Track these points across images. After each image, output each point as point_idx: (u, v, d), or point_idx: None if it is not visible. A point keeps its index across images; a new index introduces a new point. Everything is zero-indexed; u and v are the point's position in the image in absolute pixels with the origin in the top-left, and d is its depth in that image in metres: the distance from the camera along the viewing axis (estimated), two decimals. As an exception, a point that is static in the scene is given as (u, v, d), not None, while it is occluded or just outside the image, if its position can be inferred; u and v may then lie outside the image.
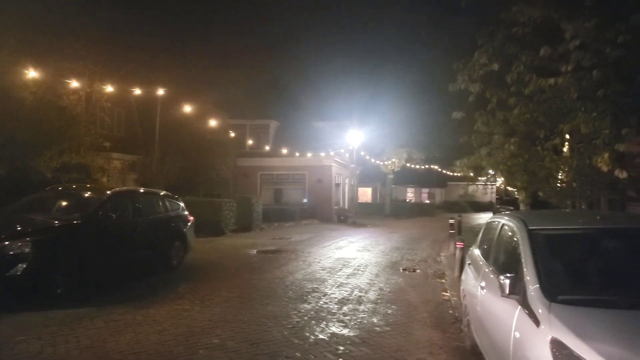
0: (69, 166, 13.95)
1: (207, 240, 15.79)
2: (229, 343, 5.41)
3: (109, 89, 15.71)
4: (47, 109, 13.37)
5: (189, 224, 11.05)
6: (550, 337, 2.80)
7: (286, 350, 5.20)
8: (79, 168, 14.22)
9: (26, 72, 12.24)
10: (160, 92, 17.81)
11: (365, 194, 46.42)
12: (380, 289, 8.61)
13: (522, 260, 3.62)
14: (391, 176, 36.73)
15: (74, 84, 14.24)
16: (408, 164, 35.79)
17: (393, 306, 7.31)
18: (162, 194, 10.69)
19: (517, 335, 3.24)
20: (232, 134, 24.41)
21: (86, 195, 9.07)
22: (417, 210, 39.79)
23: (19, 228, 7.31)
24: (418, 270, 10.80)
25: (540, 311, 3.05)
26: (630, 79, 6.38)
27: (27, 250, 6.80)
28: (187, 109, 18.90)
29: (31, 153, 12.80)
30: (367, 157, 33.56)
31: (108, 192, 8.94)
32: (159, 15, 38.33)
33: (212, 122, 20.98)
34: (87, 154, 15.03)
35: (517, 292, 3.37)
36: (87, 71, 15.05)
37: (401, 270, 10.74)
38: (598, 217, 4.41)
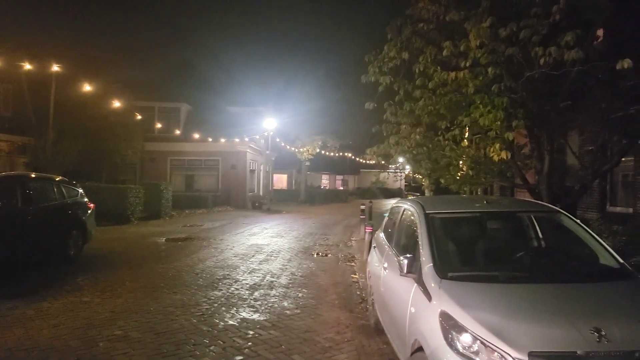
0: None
1: (112, 228, 14.93)
2: (133, 334, 5.21)
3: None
4: None
5: (88, 211, 10.37)
6: (439, 310, 3.06)
7: (194, 338, 5.12)
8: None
9: None
10: (55, 68, 16.32)
11: (281, 181, 46.56)
12: (292, 273, 8.74)
13: (419, 241, 3.89)
14: (307, 163, 37.14)
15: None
16: (323, 151, 36.39)
17: (304, 290, 7.48)
18: (57, 179, 9.89)
19: (413, 310, 3.49)
20: (139, 116, 23.10)
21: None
22: (332, 197, 40.77)
23: None
24: (329, 255, 11.11)
25: (432, 286, 3.32)
26: (519, 76, 7.00)
27: None
28: (88, 88, 17.55)
29: None
30: (283, 144, 33.61)
31: (-7, 177, 7.99)
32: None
33: (116, 103, 19.69)
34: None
35: (414, 270, 3.62)
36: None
37: (313, 255, 10.98)
38: (485, 202, 4.85)
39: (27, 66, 15.55)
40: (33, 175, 9.50)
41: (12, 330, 5.21)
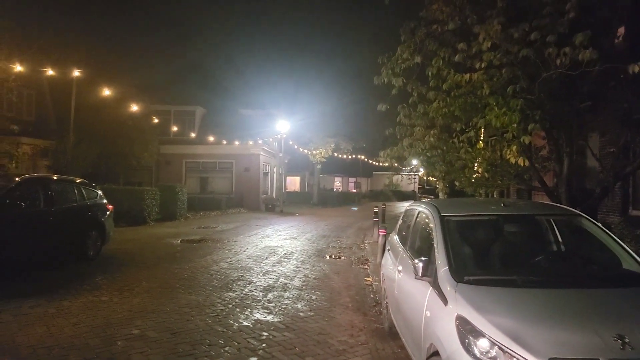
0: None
1: (129, 229, 15.13)
2: (150, 333, 5.27)
3: (17, 68, 14.37)
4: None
5: (107, 213, 10.53)
6: (455, 314, 3.04)
7: (209, 338, 5.16)
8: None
9: None
10: (76, 73, 16.61)
11: (294, 183, 46.67)
12: (306, 275, 8.76)
13: (434, 244, 3.87)
14: (319, 166, 37.17)
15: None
16: (336, 154, 36.37)
17: (317, 292, 7.48)
18: (78, 181, 10.07)
19: (428, 314, 3.47)
20: (155, 120, 23.40)
21: (-11, 182, 7.82)
22: (344, 199, 40.76)
23: None
24: (343, 257, 11.10)
25: (448, 290, 3.29)
26: (535, 77, 6.92)
27: None
28: (106, 92, 17.82)
29: None
30: (296, 147, 33.69)
31: (17, 179, 8.30)
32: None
33: (134, 107, 19.97)
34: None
35: (429, 274, 3.60)
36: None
37: (326, 258, 10.98)
38: (502, 205, 4.80)
39: (50, 72, 15.85)
40: (55, 178, 9.68)
41: (34, 328, 5.32)
